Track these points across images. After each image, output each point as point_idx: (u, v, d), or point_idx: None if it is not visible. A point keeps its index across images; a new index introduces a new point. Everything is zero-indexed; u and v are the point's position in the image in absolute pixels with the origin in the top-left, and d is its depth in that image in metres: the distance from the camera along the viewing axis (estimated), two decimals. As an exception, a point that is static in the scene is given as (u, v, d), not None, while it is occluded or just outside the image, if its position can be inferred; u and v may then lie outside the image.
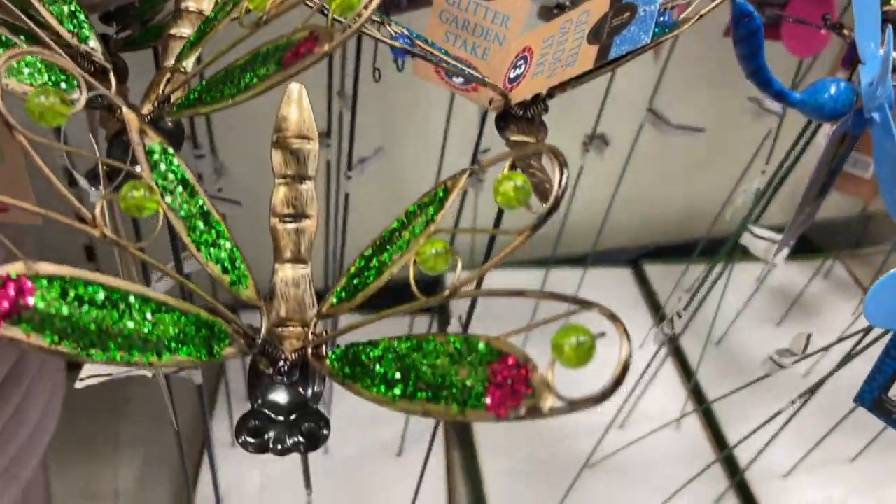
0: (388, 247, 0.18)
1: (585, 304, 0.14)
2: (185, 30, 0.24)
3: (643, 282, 0.74)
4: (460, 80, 0.30)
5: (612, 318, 0.14)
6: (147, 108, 0.22)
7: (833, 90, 0.28)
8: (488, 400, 0.14)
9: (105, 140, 0.20)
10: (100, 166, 0.17)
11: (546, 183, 0.22)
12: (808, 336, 0.39)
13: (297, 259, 0.21)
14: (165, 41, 0.24)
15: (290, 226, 0.21)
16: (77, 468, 0.60)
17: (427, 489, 0.55)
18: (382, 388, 0.17)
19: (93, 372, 0.28)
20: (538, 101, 0.27)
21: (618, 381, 0.13)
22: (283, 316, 0.20)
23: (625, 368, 0.13)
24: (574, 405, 0.13)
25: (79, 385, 0.29)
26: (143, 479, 0.59)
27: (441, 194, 0.18)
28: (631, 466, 0.57)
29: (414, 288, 0.17)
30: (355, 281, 0.18)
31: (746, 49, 0.27)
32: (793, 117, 0.46)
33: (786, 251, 0.42)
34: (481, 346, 0.15)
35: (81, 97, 0.15)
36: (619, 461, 0.57)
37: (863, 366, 0.31)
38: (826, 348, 0.38)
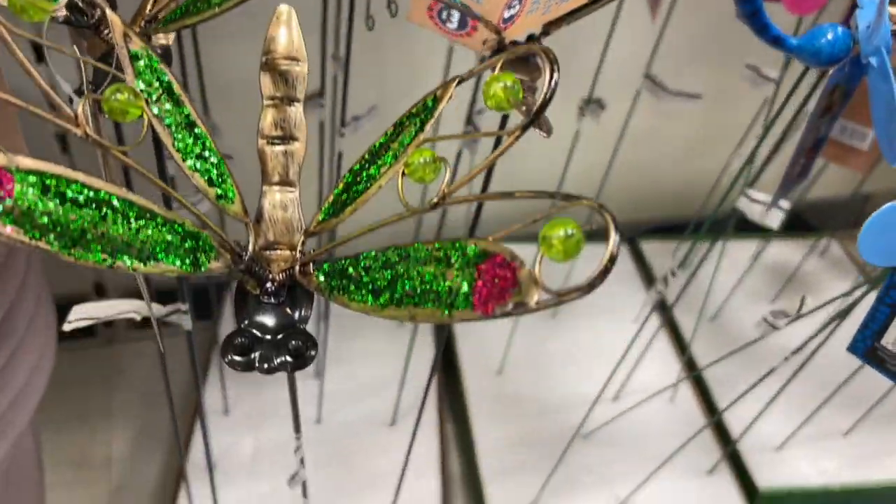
0: (376, 160, 0.18)
1: (573, 198, 0.14)
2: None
3: (639, 258, 0.73)
4: (454, 24, 0.30)
5: (601, 209, 0.13)
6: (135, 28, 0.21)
7: (830, 35, 0.28)
8: (475, 299, 0.14)
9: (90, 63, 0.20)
10: (83, 68, 0.16)
11: (532, 103, 0.22)
12: (803, 297, 0.39)
13: (286, 182, 0.20)
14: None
15: (279, 148, 0.20)
16: (70, 437, 0.60)
17: (421, 460, 0.55)
18: (370, 297, 0.16)
19: (81, 314, 0.28)
20: (532, 40, 0.26)
21: (605, 271, 0.13)
22: (272, 239, 0.20)
23: (612, 259, 0.13)
24: (562, 296, 0.13)
25: (66, 327, 0.28)
26: (136, 447, 0.59)
27: (430, 104, 0.17)
28: (625, 438, 0.57)
29: (402, 196, 0.16)
30: (343, 196, 0.18)
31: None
32: (789, 85, 0.45)
33: (781, 215, 0.42)
34: (470, 248, 0.15)
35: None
36: (614, 433, 0.57)
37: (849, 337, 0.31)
38: (816, 309, 0.38)
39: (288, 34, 0.20)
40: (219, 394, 0.58)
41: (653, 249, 0.74)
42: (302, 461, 0.29)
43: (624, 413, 0.56)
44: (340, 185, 0.18)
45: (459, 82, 0.17)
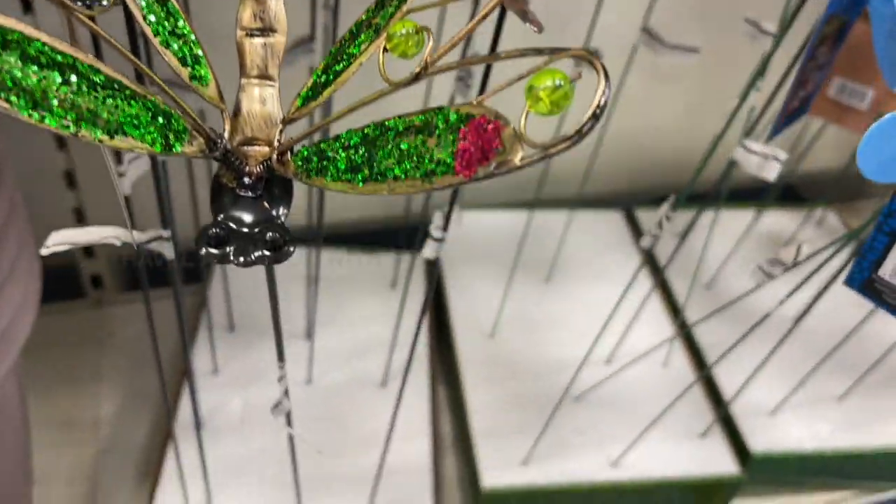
0: (357, 38, 0.17)
1: (560, 50, 0.13)
2: None
3: (634, 226, 0.73)
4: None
5: (590, 58, 0.13)
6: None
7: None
8: (457, 163, 0.14)
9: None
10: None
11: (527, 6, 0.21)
12: (800, 246, 0.38)
13: (265, 76, 0.19)
14: None
15: (258, 40, 0.19)
16: (58, 398, 0.59)
17: (412, 421, 0.55)
18: (348, 175, 0.16)
19: (59, 239, 0.27)
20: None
21: (595, 116, 0.12)
22: (249, 135, 0.19)
23: (600, 107, 0.12)
24: (547, 149, 0.12)
25: (43, 251, 0.27)
26: (124, 408, 0.59)
27: (413, -25, 0.17)
28: (618, 401, 0.57)
29: (383, 71, 0.16)
30: (323, 78, 0.17)
31: None
32: (788, 40, 0.45)
33: (778, 166, 0.42)
34: (452, 114, 0.14)
35: None
36: (606, 395, 0.57)
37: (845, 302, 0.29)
38: (813, 255, 0.38)
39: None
40: (208, 355, 0.57)
41: (649, 218, 0.74)
42: (286, 392, 0.29)
43: (615, 374, 0.55)
44: (320, 67, 0.18)
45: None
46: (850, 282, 0.28)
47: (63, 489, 0.54)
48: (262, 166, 0.18)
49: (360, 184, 0.15)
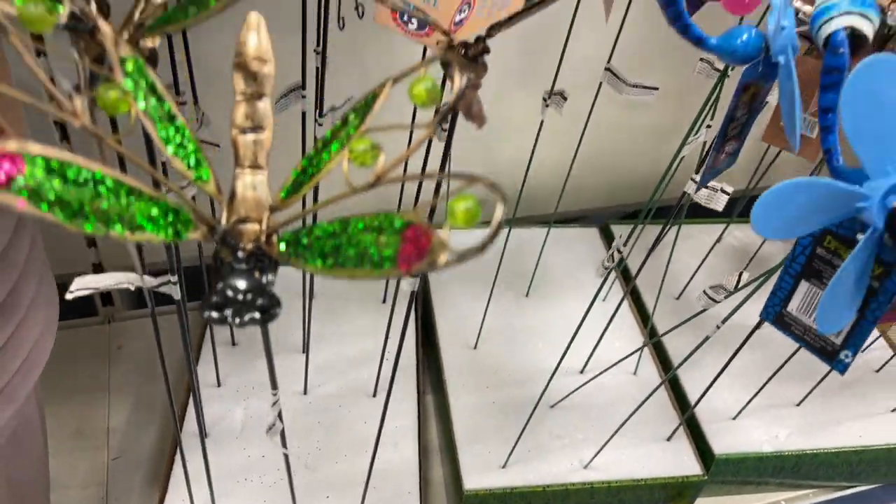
0: (327, 148, 0.21)
1: (475, 178, 0.17)
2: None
3: (609, 240, 0.77)
4: (414, 26, 0.33)
5: (493, 187, 0.17)
6: (124, 33, 0.25)
7: (745, 37, 0.31)
8: (399, 260, 0.18)
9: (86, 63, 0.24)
10: (80, 69, 0.20)
11: (476, 105, 0.25)
12: (740, 274, 0.42)
13: (255, 165, 0.24)
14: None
15: (249, 137, 0.24)
16: (71, 410, 0.63)
17: (400, 429, 0.59)
18: (319, 261, 0.20)
19: (81, 285, 0.32)
20: (479, 42, 0.30)
21: (494, 235, 0.16)
22: (243, 214, 0.23)
23: (498, 226, 0.16)
24: (462, 257, 0.17)
25: (69, 296, 0.32)
26: (134, 418, 0.63)
27: (370, 101, 0.21)
28: (591, 407, 0.61)
29: (347, 177, 0.20)
30: (301, 178, 0.22)
31: (665, -2, 0.30)
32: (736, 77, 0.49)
33: (725, 198, 0.46)
34: (397, 221, 0.18)
35: (66, 7, 0.18)
36: (580, 402, 0.61)
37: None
38: (750, 283, 0.42)
39: (257, 39, 0.24)
40: (211, 368, 0.62)
41: (622, 232, 0.78)
42: (280, 415, 0.33)
43: (588, 383, 0.60)
44: (298, 168, 0.22)
45: (395, 82, 0.21)
46: (765, 315, 0.32)
47: (78, 494, 0.58)
48: (253, 244, 0.23)
49: (329, 269, 0.19)
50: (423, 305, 0.70)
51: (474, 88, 0.27)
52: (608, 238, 0.78)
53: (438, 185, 0.32)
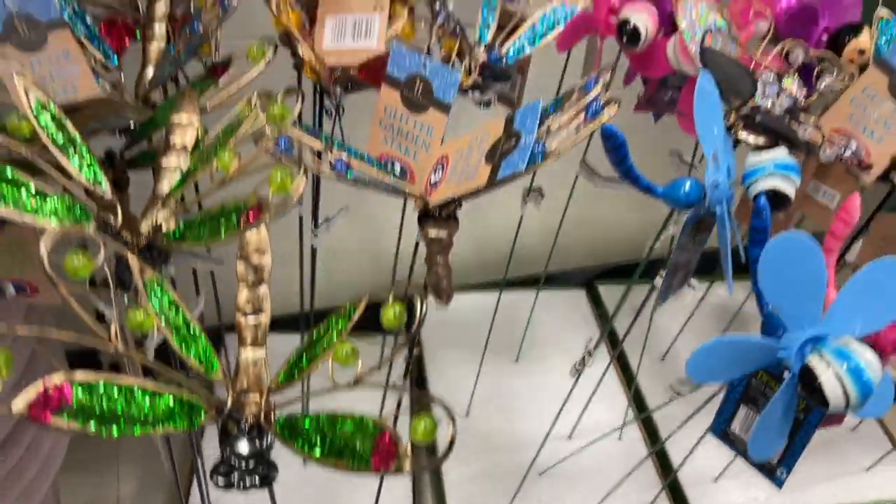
0: (314, 348, 0.25)
1: (432, 397, 0.21)
2: (172, 161, 0.31)
3: (597, 302, 0.81)
4: (398, 172, 0.37)
5: (446, 409, 0.21)
6: (145, 228, 0.29)
7: (686, 187, 0.35)
8: (373, 462, 0.22)
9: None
10: (112, 293, 0.24)
11: (444, 280, 0.29)
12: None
13: (256, 343, 0.28)
14: (158, 167, 0.32)
15: (251, 320, 0.28)
16: (83, 481, 0.67)
17: (396, 497, 0.63)
18: (306, 447, 0.24)
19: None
20: (452, 203, 0.34)
21: (450, 449, 0.20)
22: (245, 387, 0.28)
23: (451, 442, 0.20)
24: (426, 465, 0.21)
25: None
26: (142, 490, 0.67)
27: (351, 311, 0.25)
28: (578, 474, 0.65)
29: (331, 375, 0.24)
30: (294, 369, 0.26)
31: (615, 158, 0.34)
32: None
33: (692, 291, 0.50)
34: (370, 425, 0.23)
35: (101, 256, 0.23)
36: (569, 468, 0.65)
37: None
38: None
39: (258, 237, 0.28)
40: (216, 444, 0.65)
41: (609, 292, 0.82)
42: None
43: (575, 453, 0.63)
44: (292, 360, 0.26)
45: (367, 304, 0.25)
46: (713, 431, 0.36)
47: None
48: (254, 418, 0.27)
49: (317, 457, 0.24)
50: (417, 369, 0.74)
51: (447, 249, 0.31)
52: (595, 299, 0.81)
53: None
